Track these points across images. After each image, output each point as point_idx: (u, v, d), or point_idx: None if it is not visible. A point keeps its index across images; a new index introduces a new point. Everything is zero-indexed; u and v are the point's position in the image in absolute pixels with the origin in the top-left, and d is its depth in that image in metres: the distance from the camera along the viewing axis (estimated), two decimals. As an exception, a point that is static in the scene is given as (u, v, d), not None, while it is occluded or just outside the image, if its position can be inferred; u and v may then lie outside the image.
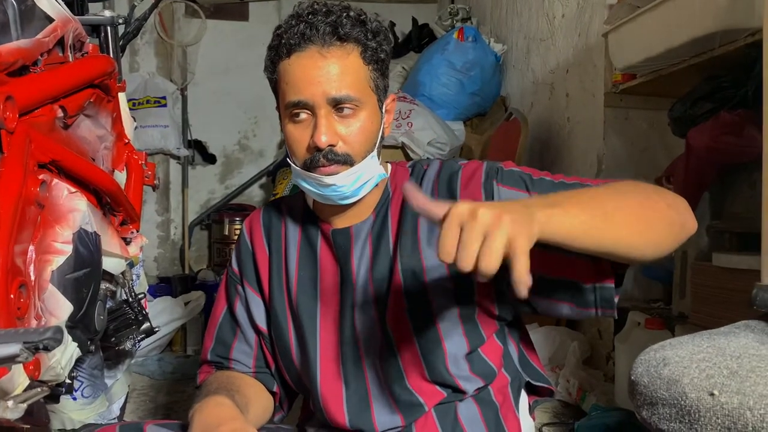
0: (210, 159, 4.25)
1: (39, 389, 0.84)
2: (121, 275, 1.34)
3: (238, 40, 4.22)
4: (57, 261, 0.97)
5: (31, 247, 0.95)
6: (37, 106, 1.02)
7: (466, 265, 0.67)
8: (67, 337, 1.04)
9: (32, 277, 0.94)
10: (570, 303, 0.95)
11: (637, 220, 0.81)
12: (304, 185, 1.01)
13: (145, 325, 1.49)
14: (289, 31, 0.96)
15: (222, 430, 0.86)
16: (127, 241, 1.34)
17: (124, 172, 1.39)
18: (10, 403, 0.77)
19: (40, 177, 0.98)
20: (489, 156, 2.81)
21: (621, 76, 2.08)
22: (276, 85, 1.01)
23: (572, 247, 0.77)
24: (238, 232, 3.96)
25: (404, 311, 1.01)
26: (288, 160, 1.02)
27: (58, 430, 1.53)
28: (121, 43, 1.55)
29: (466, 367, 1.02)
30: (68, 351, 1.03)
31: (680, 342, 0.76)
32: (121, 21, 1.50)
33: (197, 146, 4.18)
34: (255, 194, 4.38)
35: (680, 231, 0.86)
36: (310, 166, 0.97)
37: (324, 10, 0.96)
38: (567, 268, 0.91)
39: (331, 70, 0.94)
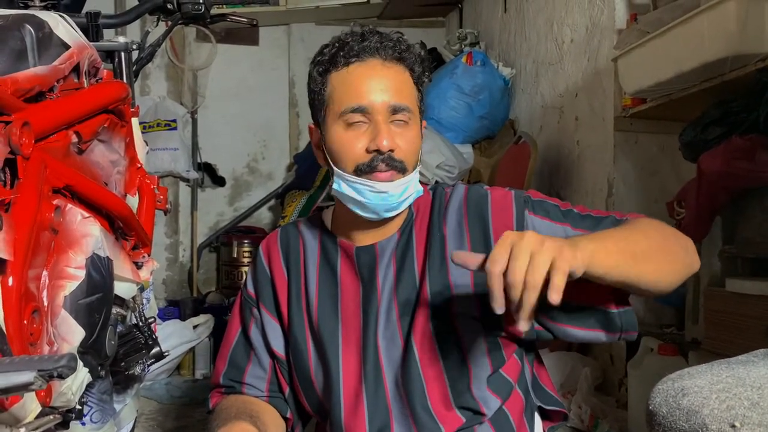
0: (219, 182, 4.27)
1: (51, 417, 0.84)
2: (131, 299, 1.34)
3: (249, 64, 4.27)
4: (70, 286, 0.97)
5: (45, 273, 0.95)
6: (53, 131, 1.03)
7: (515, 276, 0.76)
8: (79, 363, 1.03)
9: (45, 303, 0.94)
10: (599, 330, 0.99)
11: (658, 261, 0.92)
12: (350, 192, 1.00)
13: (155, 350, 1.48)
14: (348, 44, 1.01)
15: None
16: (138, 266, 1.34)
17: (136, 196, 1.39)
18: (22, 430, 0.77)
19: (55, 202, 0.98)
20: (498, 179, 2.81)
21: (631, 100, 2.08)
22: (321, 96, 1.03)
23: (604, 281, 0.86)
24: (246, 254, 3.97)
25: (430, 331, 1.01)
26: (333, 168, 1.02)
27: (67, 455, 1.52)
28: (134, 68, 1.56)
29: (485, 386, 1.02)
30: (79, 377, 1.03)
31: (699, 371, 0.75)
32: (134, 47, 1.52)
33: (207, 169, 4.20)
34: (264, 216, 4.39)
35: (689, 270, 0.97)
36: (365, 170, 0.98)
37: (378, 32, 1.03)
38: (593, 296, 0.97)
39: (392, 81, 1.00)
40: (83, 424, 1.52)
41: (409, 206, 1.07)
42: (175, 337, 2.42)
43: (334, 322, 1.07)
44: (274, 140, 4.33)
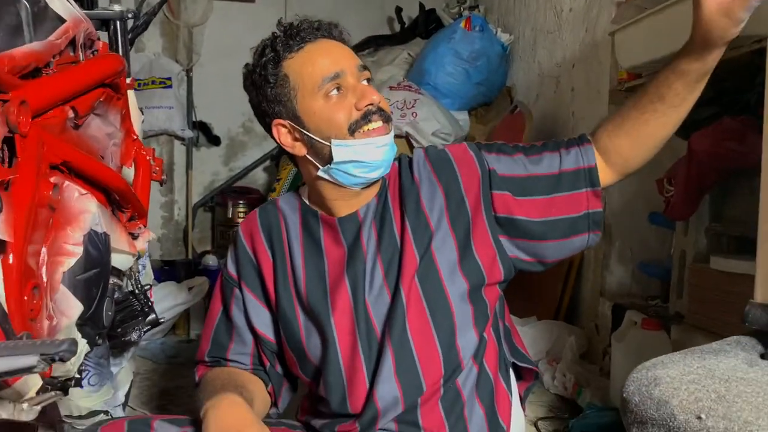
0: (214, 141, 4.25)
1: (53, 393, 0.87)
2: (128, 269, 1.37)
3: (244, 23, 4.20)
4: (68, 262, 0.99)
5: (44, 249, 0.97)
6: (50, 108, 1.04)
7: None
8: (77, 334, 1.07)
9: (44, 279, 0.96)
10: (570, 237, 1.10)
11: None
12: (352, 156, 1.05)
13: (151, 317, 1.52)
14: (290, 31, 1.07)
15: None
16: (134, 236, 1.36)
17: (132, 168, 1.40)
18: (25, 405, 0.80)
19: (52, 180, 1.00)
20: (493, 147, 2.82)
21: (626, 74, 2.08)
22: (283, 88, 1.06)
23: None
24: (241, 214, 3.98)
25: (416, 284, 1.07)
26: (325, 143, 1.05)
27: (66, 416, 1.57)
28: (129, 36, 1.56)
29: (467, 333, 1.09)
30: (78, 348, 1.06)
31: (672, 361, 0.78)
32: (130, 15, 1.51)
33: (202, 128, 4.18)
34: (259, 177, 4.39)
35: None
36: (358, 125, 1.04)
37: (308, 21, 1.10)
38: (570, 206, 1.08)
39: (346, 48, 1.10)
40: (82, 386, 1.57)
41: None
42: (171, 299, 2.46)
43: (322, 291, 1.11)
44: (269, 100, 4.30)
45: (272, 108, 1.08)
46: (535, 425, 1.83)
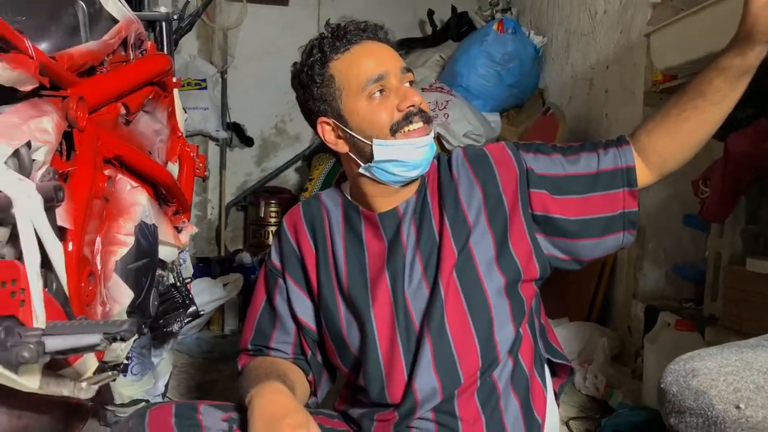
0: (247, 142, 4.32)
1: (110, 373, 0.92)
2: (171, 262, 1.42)
3: (278, 25, 4.28)
4: (121, 252, 1.04)
5: (98, 239, 1.02)
6: (104, 104, 1.09)
7: None
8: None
9: (99, 267, 1.01)
10: (606, 235, 1.11)
11: None
12: (393, 155, 1.08)
13: (192, 309, 1.56)
14: (337, 32, 1.10)
15: (287, 423, 0.92)
16: (178, 230, 1.41)
17: (177, 163, 1.45)
18: (83, 384, 0.84)
19: (106, 173, 1.05)
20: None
21: (662, 75, 2.08)
22: (328, 89, 1.10)
23: None
24: (273, 214, 4.04)
25: (454, 278, 1.10)
26: (367, 142, 1.09)
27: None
28: (174, 37, 1.61)
29: (505, 328, 1.11)
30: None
31: (709, 354, 0.79)
32: (175, 17, 1.56)
33: (235, 129, 4.25)
34: (290, 178, 4.45)
35: None
36: (400, 126, 1.07)
37: (356, 22, 1.13)
38: (606, 205, 1.10)
39: (390, 50, 1.13)
40: (125, 375, 1.62)
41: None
42: (206, 295, 2.51)
43: (363, 283, 1.15)
44: (302, 102, 4.36)
45: (318, 106, 1.12)
46: (567, 425, 1.84)
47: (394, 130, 1.07)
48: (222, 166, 4.21)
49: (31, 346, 0.69)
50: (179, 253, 1.49)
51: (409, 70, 1.12)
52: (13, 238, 0.77)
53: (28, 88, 0.86)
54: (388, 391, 1.12)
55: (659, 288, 2.29)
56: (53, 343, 0.70)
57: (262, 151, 4.38)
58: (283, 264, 1.22)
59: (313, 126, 1.16)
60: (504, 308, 1.11)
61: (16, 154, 0.81)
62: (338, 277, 1.17)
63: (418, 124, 1.08)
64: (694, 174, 2.02)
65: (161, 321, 1.55)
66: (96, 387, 0.87)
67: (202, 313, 1.63)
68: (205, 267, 2.96)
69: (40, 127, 0.86)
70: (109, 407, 1.61)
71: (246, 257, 3.09)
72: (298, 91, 1.16)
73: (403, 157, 1.08)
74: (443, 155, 1.21)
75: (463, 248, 1.11)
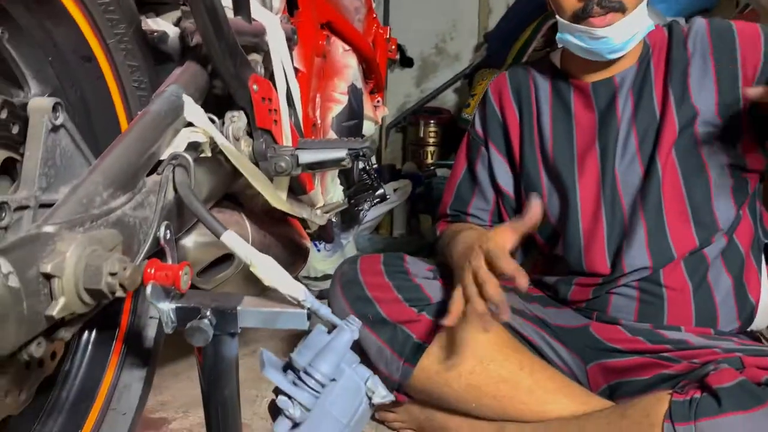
0: (408, 63, 4.34)
1: (338, 204, 0.99)
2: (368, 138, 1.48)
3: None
4: (336, 108, 1.11)
5: (318, 96, 1.09)
6: (319, -31, 1.14)
7: None
8: (337, 180, 1.19)
9: (319, 120, 1.08)
10: None
11: None
12: (571, 39, 1.05)
13: (380, 191, 1.63)
14: None
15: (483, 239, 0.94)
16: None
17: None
18: (318, 212, 0.92)
19: (324, 32, 1.11)
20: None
21: None
22: None
23: None
24: (432, 134, 4.07)
25: (672, 156, 1.05)
26: (557, 17, 1.06)
27: (304, 277, 1.76)
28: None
29: (724, 202, 1.06)
30: (337, 190, 1.19)
31: None
32: None
33: (397, 49, 4.28)
34: (449, 99, 4.44)
35: None
36: (581, 16, 1.01)
37: None
38: None
39: None
40: (318, 250, 1.74)
41: (644, 40, 1.09)
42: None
43: (569, 155, 1.13)
44: (462, 20, 4.29)
45: None
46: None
47: (576, 16, 1.02)
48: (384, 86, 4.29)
49: (287, 157, 0.76)
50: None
51: None
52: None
53: (265, -61, 0.92)
54: (586, 262, 1.11)
55: None
56: (305, 157, 0.76)
57: (422, 71, 4.39)
58: (485, 131, 1.22)
59: None
60: (726, 188, 1.06)
61: (260, -5, 0.87)
62: (543, 146, 1.16)
63: (598, 15, 1.00)
64: None
65: (352, 201, 1.64)
66: (328, 216, 0.95)
67: (388, 196, 1.70)
68: (375, 170, 3.06)
69: (277, -25, 0.92)
70: (303, 280, 1.75)
71: (413, 166, 3.15)
72: None
73: (584, 44, 1.04)
74: (677, 24, 1.12)
75: (685, 127, 1.05)
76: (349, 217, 1.85)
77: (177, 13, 0.82)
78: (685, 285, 1.06)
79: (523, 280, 0.85)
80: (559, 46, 1.12)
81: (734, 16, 2.53)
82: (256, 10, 0.81)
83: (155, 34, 0.76)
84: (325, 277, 1.74)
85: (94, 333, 0.78)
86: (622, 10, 1.00)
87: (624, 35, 1.02)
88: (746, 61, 1.03)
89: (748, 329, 1.09)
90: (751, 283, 1.08)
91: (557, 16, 1.06)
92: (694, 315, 1.06)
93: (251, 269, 0.63)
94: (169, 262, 0.64)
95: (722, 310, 1.06)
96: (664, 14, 2.83)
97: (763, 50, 1.03)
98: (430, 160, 4.02)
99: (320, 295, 1.69)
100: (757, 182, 1.10)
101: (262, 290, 0.68)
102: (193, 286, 0.79)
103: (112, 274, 0.54)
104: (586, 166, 1.11)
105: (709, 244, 1.06)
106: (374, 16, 1.49)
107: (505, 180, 1.21)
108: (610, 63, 1.09)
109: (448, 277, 1.09)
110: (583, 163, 1.11)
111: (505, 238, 0.92)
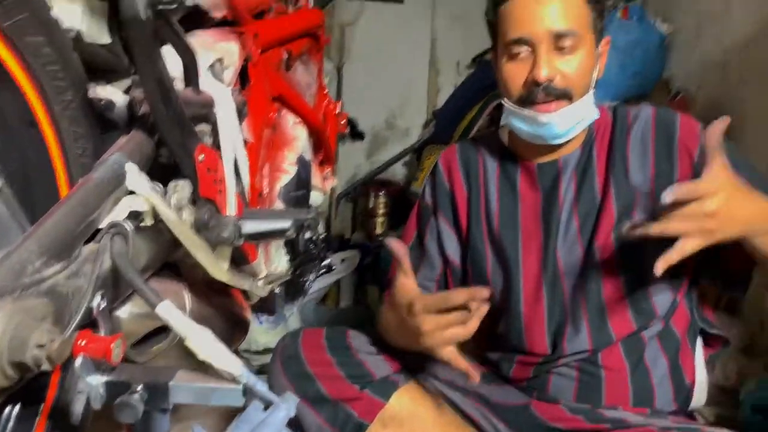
0: (359, 136, 4.42)
1: (281, 275, 0.98)
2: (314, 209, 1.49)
3: (393, 22, 4.36)
4: (284, 179, 1.12)
5: (267, 166, 1.10)
6: (272, 46, 1.17)
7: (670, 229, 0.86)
8: (282, 250, 1.19)
9: (266, 190, 1.08)
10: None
11: None
12: (516, 123, 1.07)
13: (327, 261, 1.63)
14: None
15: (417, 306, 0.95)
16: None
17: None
18: (260, 283, 0.91)
19: (275, 105, 1.13)
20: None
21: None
22: (495, 28, 1.08)
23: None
24: (381, 205, 4.11)
25: (611, 242, 1.06)
26: (504, 100, 1.08)
27: (244, 350, 1.72)
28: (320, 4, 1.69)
29: (661, 293, 1.07)
30: (282, 260, 1.18)
31: None
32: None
33: (348, 123, 4.35)
34: (398, 171, 4.52)
35: None
36: (526, 101, 1.02)
37: None
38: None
39: (554, 6, 1.00)
40: (261, 323, 1.71)
41: (590, 125, 1.10)
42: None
43: (514, 231, 1.14)
44: (412, 97, 4.43)
45: (493, 39, 1.10)
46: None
47: (522, 101, 1.03)
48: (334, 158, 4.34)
49: (230, 227, 0.76)
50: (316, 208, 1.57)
51: (563, 34, 0.99)
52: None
53: (219, 14, 0.95)
54: (527, 341, 1.12)
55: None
56: (249, 227, 0.76)
57: (373, 144, 4.48)
58: (435, 202, 1.23)
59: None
60: (663, 276, 1.06)
61: (211, 66, 0.89)
62: (489, 222, 1.17)
63: (543, 101, 1.01)
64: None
65: (298, 271, 1.63)
66: (269, 287, 0.94)
67: (334, 267, 1.69)
68: (323, 243, 3.06)
69: (229, 49, 0.94)
70: (243, 353, 1.70)
71: (362, 236, 3.16)
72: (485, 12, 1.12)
73: (529, 128, 1.05)
74: (623, 108, 1.13)
75: (624, 214, 1.06)
76: (294, 288, 1.83)
77: (127, 82, 0.82)
78: (623, 366, 1.07)
79: (476, 378, 0.88)
80: (503, 125, 1.15)
81: (666, 102, 2.69)
82: (207, 82, 0.83)
83: (103, 102, 0.76)
84: (267, 350, 1.70)
85: (17, 408, 0.74)
86: (567, 97, 1.01)
87: (568, 122, 1.03)
88: (682, 157, 1.05)
89: (687, 410, 1.11)
90: (686, 366, 1.10)
91: (504, 99, 1.08)
92: (632, 395, 1.06)
93: (186, 343, 0.61)
94: (102, 333, 0.62)
95: (659, 391, 1.07)
96: (601, 98, 2.99)
97: (697, 152, 1.04)
98: (379, 231, 4.05)
99: (261, 370, 1.64)
100: (694, 266, 1.11)
101: (199, 364, 0.66)
102: (126, 359, 0.76)
103: (39, 346, 0.52)
104: (530, 245, 1.12)
105: (647, 329, 1.07)
106: (326, 91, 1.52)
107: (453, 250, 1.22)
108: (555, 146, 1.10)
109: (392, 352, 1.08)
110: (527, 242, 1.12)
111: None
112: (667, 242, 1.04)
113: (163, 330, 0.80)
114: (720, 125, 0.89)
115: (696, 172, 1.02)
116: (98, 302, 0.62)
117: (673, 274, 1.06)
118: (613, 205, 1.07)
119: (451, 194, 1.22)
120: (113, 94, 0.77)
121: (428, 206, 1.24)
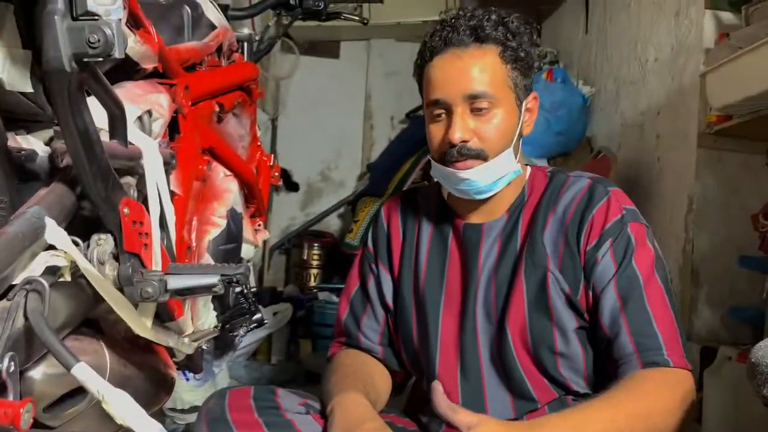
0: (293, 187, 4.42)
1: (209, 331, 0.95)
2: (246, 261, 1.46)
3: (329, 77, 4.44)
4: (214, 232, 1.10)
5: (195, 219, 1.08)
6: (203, 98, 1.17)
7: None
8: (210, 305, 1.15)
9: (194, 244, 1.06)
10: None
11: None
12: (441, 180, 1.10)
13: (257, 316, 1.59)
14: (433, 36, 1.07)
15: (365, 427, 0.94)
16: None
17: (255, 170, 1.52)
18: (186, 339, 0.88)
19: (205, 157, 1.11)
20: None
21: (716, 117, 2.12)
22: (421, 87, 1.11)
23: None
24: (316, 257, 4.09)
25: (523, 315, 1.07)
26: (430, 157, 1.11)
27: (169, 408, 1.64)
28: (254, 58, 1.70)
29: (573, 371, 1.07)
30: (210, 316, 1.15)
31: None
32: (257, 38, 1.66)
33: (283, 174, 4.35)
34: (333, 223, 4.52)
35: None
36: (444, 161, 1.06)
37: (468, 14, 1.05)
38: None
39: (467, 70, 1.02)
40: (187, 380, 1.65)
41: (524, 187, 1.12)
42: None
43: (438, 289, 1.15)
44: (347, 150, 4.48)
45: (421, 98, 1.12)
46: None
47: (441, 159, 1.06)
48: (268, 209, 4.30)
49: (155, 282, 0.73)
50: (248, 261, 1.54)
51: (477, 96, 1.02)
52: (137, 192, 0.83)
53: (150, 65, 0.94)
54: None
55: (714, 331, 2.26)
56: (174, 282, 0.74)
57: (307, 196, 4.48)
58: (376, 249, 1.24)
59: None
60: (573, 350, 1.06)
61: (140, 119, 0.88)
62: (417, 276, 1.17)
63: (459, 161, 1.04)
64: (746, 213, 2.03)
65: (227, 326, 1.58)
66: (196, 344, 0.91)
67: (266, 322, 1.66)
68: (254, 296, 3.00)
69: (158, 101, 0.94)
70: (168, 412, 1.63)
71: (295, 289, 3.12)
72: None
73: (452, 185, 1.08)
74: (562, 175, 1.12)
75: (535, 288, 1.06)
76: (223, 343, 1.78)
77: (49, 132, 0.80)
78: None
79: None
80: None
81: (589, 160, 2.82)
82: (134, 134, 0.81)
83: (22, 152, 0.73)
84: (193, 408, 1.64)
85: None
86: (482, 157, 1.03)
87: (487, 179, 1.04)
88: (586, 240, 1.05)
89: None
90: None
91: (430, 155, 1.11)
92: None
93: (103, 405, 0.58)
94: (11, 397, 0.58)
95: None
96: (527, 156, 3.10)
97: (599, 236, 1.03)
98: (313, 283, 4.01)
99: (187, 429, 1.58)
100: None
101: (118, 426, 0.63)
102: (38, 424, 0.71)
103: (-63, 414, 0.48)
104: (452, 306, 1.12)
105: (569, 393, 1.08)
106: (258, 143, 1.52)
107: (390, 297, 1.21)
108: (484, 205, 1.11)
109: (321, 411, 1.06)
110: (449, 302, 1.13)
111: None
112: (572, 317, 1.04)
113: (81, 390, 0.75)
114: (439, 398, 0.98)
115: (587, 260, 1.04)
116: (7, 364, 0.59)
117: (584, 346, 1.08)
118: (523, 277, 1.07)
119: (388, 242, 1.23)
120: (35, 143, 0.75)
121: (370, 252, 1.25)
